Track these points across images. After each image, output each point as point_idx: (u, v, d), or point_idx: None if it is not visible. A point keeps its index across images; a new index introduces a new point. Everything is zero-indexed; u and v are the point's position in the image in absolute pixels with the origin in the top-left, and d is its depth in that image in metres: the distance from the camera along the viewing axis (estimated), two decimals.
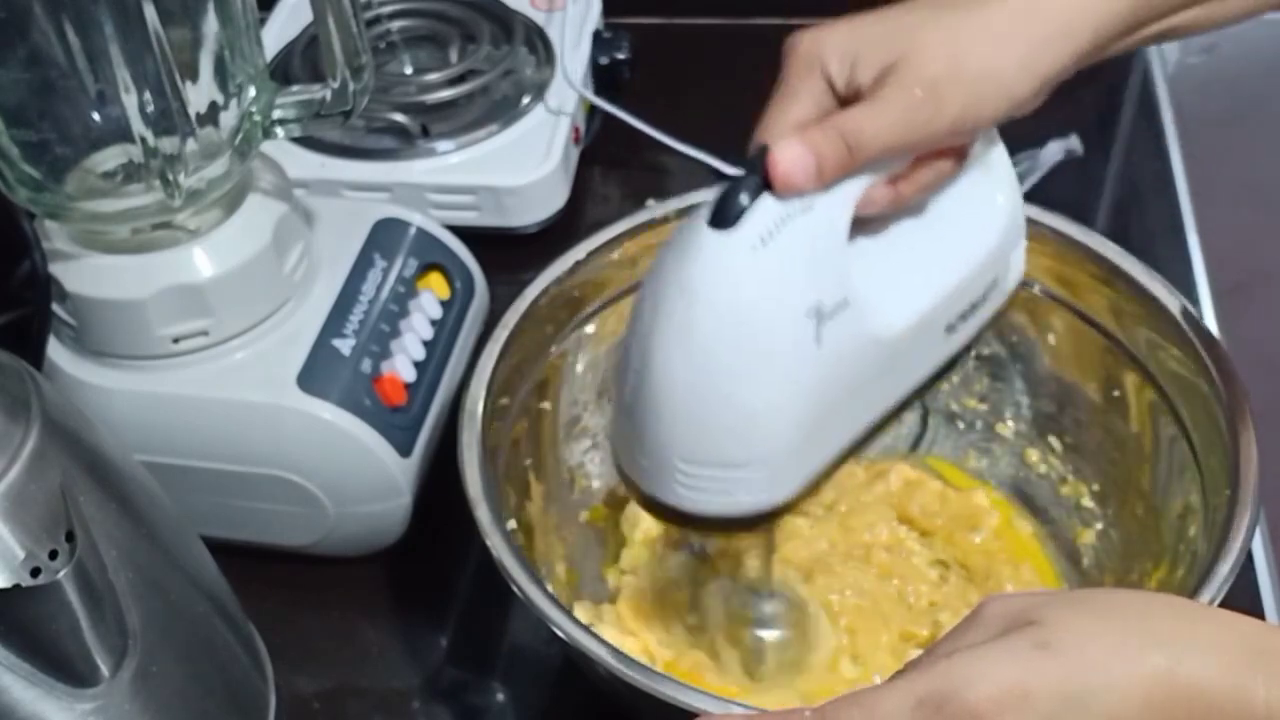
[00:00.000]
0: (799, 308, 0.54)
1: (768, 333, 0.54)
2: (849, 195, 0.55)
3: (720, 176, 0.54)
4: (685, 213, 0.72)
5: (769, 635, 0.68)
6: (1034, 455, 0.74)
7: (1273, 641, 0.43)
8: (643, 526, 0.73)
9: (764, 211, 0.53)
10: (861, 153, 0.53)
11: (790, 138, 0.53)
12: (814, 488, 0.59)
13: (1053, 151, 0.88)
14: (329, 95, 0.67)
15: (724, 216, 0.53)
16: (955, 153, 0.58)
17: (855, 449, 0.60)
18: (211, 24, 0.65)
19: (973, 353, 0.69)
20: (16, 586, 0.47)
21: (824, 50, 0.56)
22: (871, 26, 0.56)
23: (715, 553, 0.70)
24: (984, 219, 0.61)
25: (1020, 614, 0.44)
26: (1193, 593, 0.56)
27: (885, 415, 0.61)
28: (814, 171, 0.53)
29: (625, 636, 0.67)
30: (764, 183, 0.53)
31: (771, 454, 0.56)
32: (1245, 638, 0.43)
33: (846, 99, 0.56)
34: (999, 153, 0.61)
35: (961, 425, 0.76)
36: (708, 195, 0.54)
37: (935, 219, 0.60)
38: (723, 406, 0.55)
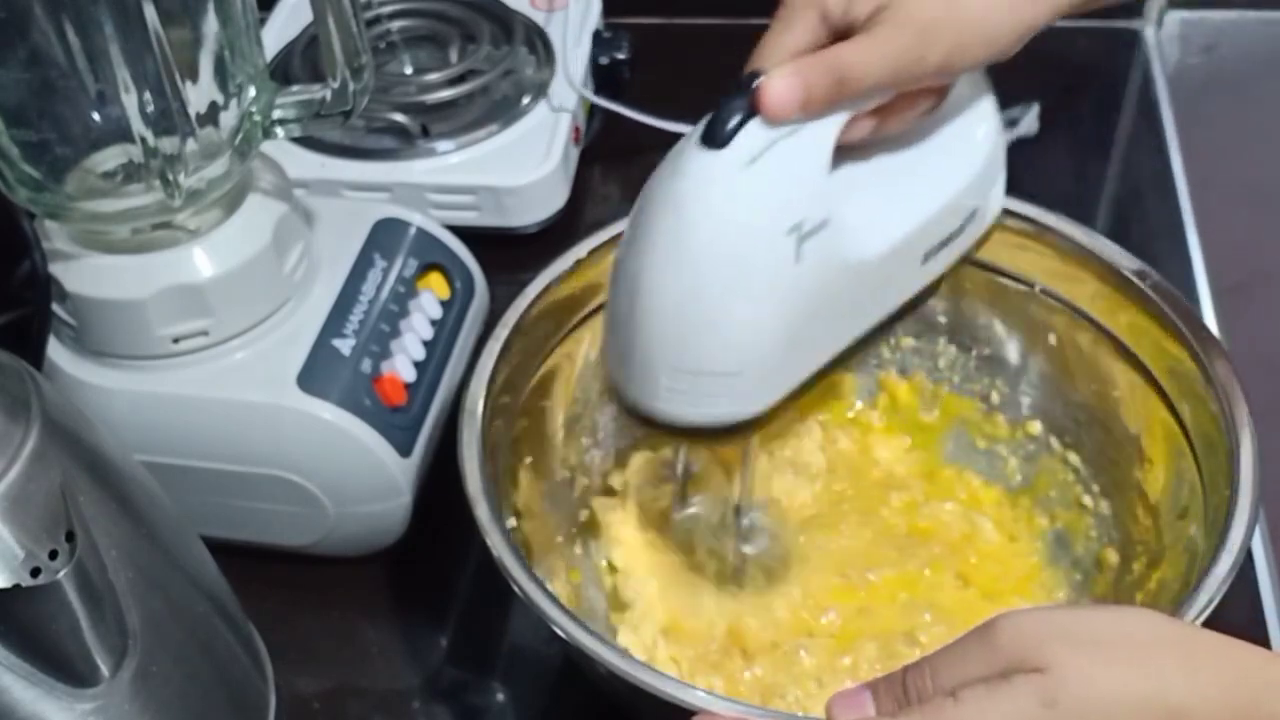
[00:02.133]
0: (781, 226, 0.56)
1: (752, 248, 0.57)
2: (834, 123, 0.57)
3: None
4: None
5: (751, 549, 0.72)
6: (1035, 454, 0.74)
7: (1275, 672, 0.44)
8: (620, 519, 0.73)
9: (752, 133, 0.55)
10: (849, 87, 0.56)
11: (782, 68, 0.55)
12: (789, 401, 0.62)
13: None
14: (329, 95, 0.67)
15: (714, 136, 0.55)
16: (937, 91, 0.60)
17: (830, 367, 0.63)
18: (211, 24, 0.65)
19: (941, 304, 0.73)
20: (16, 586, 0.47)
21: None
22: None
23: (698, 473, 0.74)
24: (963, 152, 0.64)
25: (1030, 652, 0.44)
26: (1192, 592, 0.56)
27: (861, 337, 0.64)
28: (801, 101, 0.55)
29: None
30: (753, 107, 0.55)
31: (751, 365, 0.59)
32: (1249, 675, 0.44)
33: (840, 32, 0.58)
34: (980, 88, 0.64)
35: (961, 425, 0.76)
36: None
37: (915, 150, 0.63)
38: (708, 318, 0.57)
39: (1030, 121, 0.90)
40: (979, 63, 0.58)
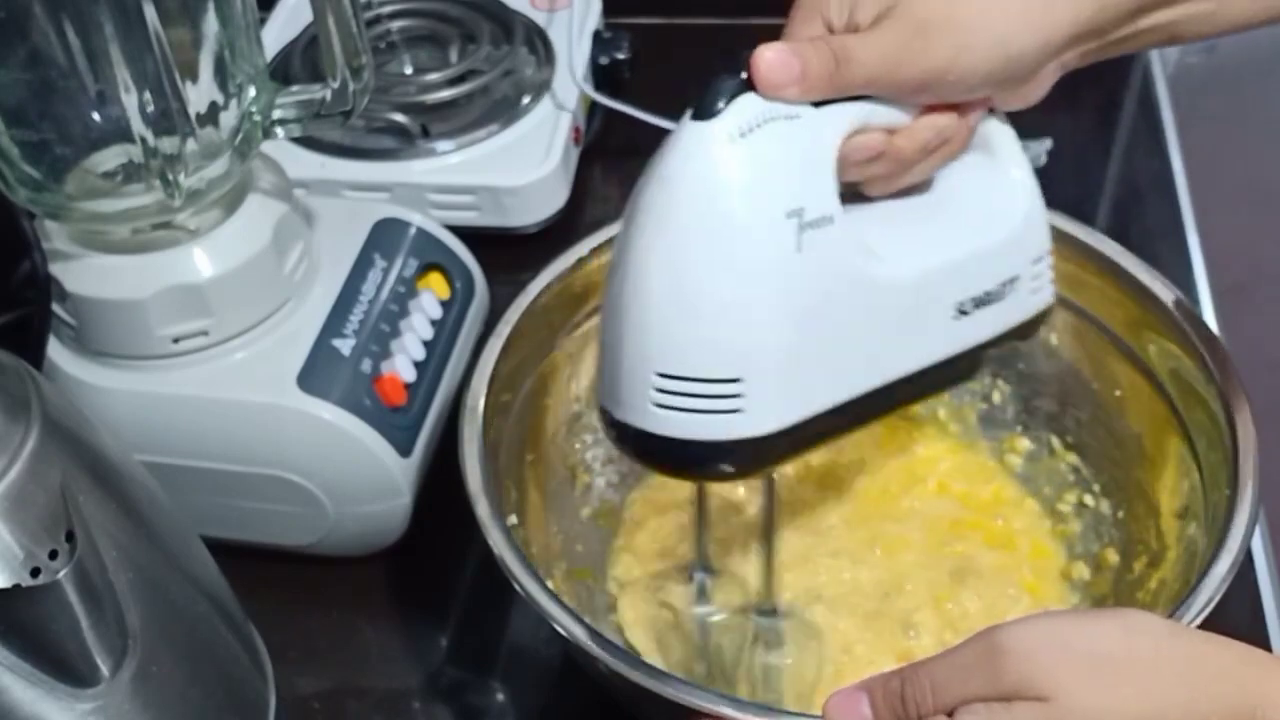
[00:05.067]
0: (777, 206, 0.53)
1: (744, 226, 0.53)
2: (840, 118, 0.55)
3: None
4: None
5: (778, 659, 0.67)
6: (1035, 454, 0.74)
7: (1272, 685, 0.44)
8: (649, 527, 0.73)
9: (745, 107, 0.53)
10: (848, 70, 0.54)
11: (778, 44, 0.54)
12: (803, 444, 0.57)
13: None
14: (329, 95, 0.67)
15: (704, 108, 0.53)
16: (955, 113, 0.57)
17: (851, 420, 0.58)
18: (211, 24, 0.65)
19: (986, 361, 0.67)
20: (16, 586, 0.47)
21: None
22: None
23: (716, 581, 0.69)
24: (999, 210, 0.61)
25: (1034, 676, 0.44)
26: (1192, 592, 0.57)
27: (893, 388, 0.59)
28: (797, 74, 0.53)
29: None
30: (746, 84, 0.53)
31: (753, 369, 0.54)
32: (1248, 688, 0.44)
33: None
34: (1023, 168, 0.61)
35: (961, 426, 0.76)
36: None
37: (947, 202, 0.60)
38: (699, 305, 0.53)
39: (1038, 156, 0.90)
40: (991, 72, 0.56)
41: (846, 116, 0.55)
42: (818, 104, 0.54)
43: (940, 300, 0.59)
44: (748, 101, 0.53)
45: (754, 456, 0.56)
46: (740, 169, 0.53)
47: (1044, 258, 0.63)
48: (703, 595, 0.69)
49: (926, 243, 0.59)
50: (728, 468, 0.57)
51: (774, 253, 0.53)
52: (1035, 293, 0.63)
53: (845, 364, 0.57)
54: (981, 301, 0.60)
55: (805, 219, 0.53)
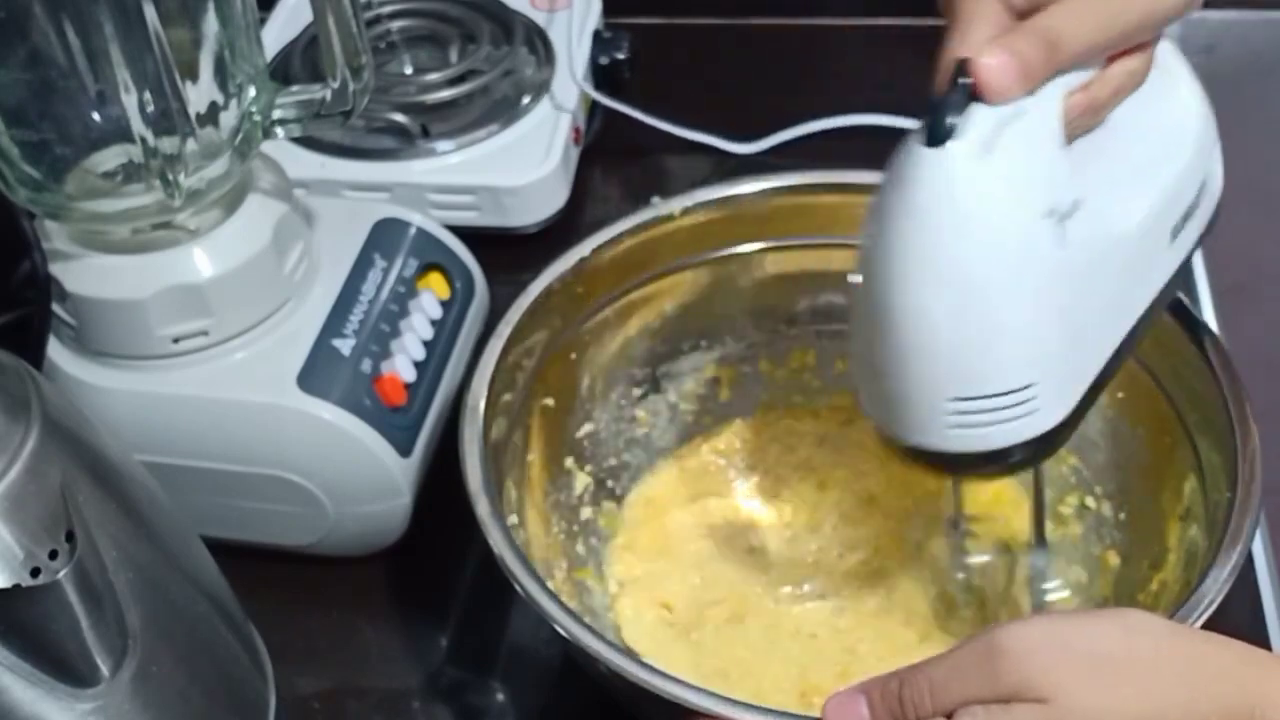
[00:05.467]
0: (1036, 210, 0.53)
1: (1013, 240, 0.53)
2: (1056, 97, 0.54)
3: None
4: (690, 210, 0.72)
5: (1054, 592, 0.69)
6: None
7: (1272, 685, 0.44)
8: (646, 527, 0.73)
9: (979, 120, 0.52)
10: (1063, 50, 0.52)
11: (989, 46, 0.52)
12: (1080, 414, 0.58)
13: None
14: (329, 95, 0.67)
15: (939, 133, 0.52)
16: (1143, 51, 0.56)
17: (1111, 374, 0.59)
18: (211, 24, 0.65)
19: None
20: (16, 586, 0.47)
21: None
22: None
23: (974, 525, 0.71)
24: (1178, 117, 0.60)
25: (1033, 677, 0.44)
26: (1192, 593, 0.57)
27: (1135, 328, 0.59)
28: (1020, 73, 0.52)
29: None
30: (970, 94, 0.52)
31: (1042, 370, 0.55)
32: (1247, 688, 0.44)
33: (1026, 14, 0.54)
34: (1174, 55, 0.60)
35: None
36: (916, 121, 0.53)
37: (1134, 125, 0.59)
38: (986, 332, 0.53)
39: None
40: (1182, 3, 0.54)
41: (1058, 92, 0.54)
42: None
43: (1162, 229, 0.59)
44: (977, 114, 0.52)
45: (1049, 443, 0.57)
46: (996, 188, 0.52)
47: (1214, 149, 0.62)
48: (960, 544, 0.71)
49: (1142, 178, 0.58)
50: (1025, 461, 0.58)
51: (1044, 257, 0.53)
52: (1213, 186, 0.62)
53: (1104, 327, 0.58)
54: (1188, 215, 0.60)
55: (1061, 212, 0.53)
